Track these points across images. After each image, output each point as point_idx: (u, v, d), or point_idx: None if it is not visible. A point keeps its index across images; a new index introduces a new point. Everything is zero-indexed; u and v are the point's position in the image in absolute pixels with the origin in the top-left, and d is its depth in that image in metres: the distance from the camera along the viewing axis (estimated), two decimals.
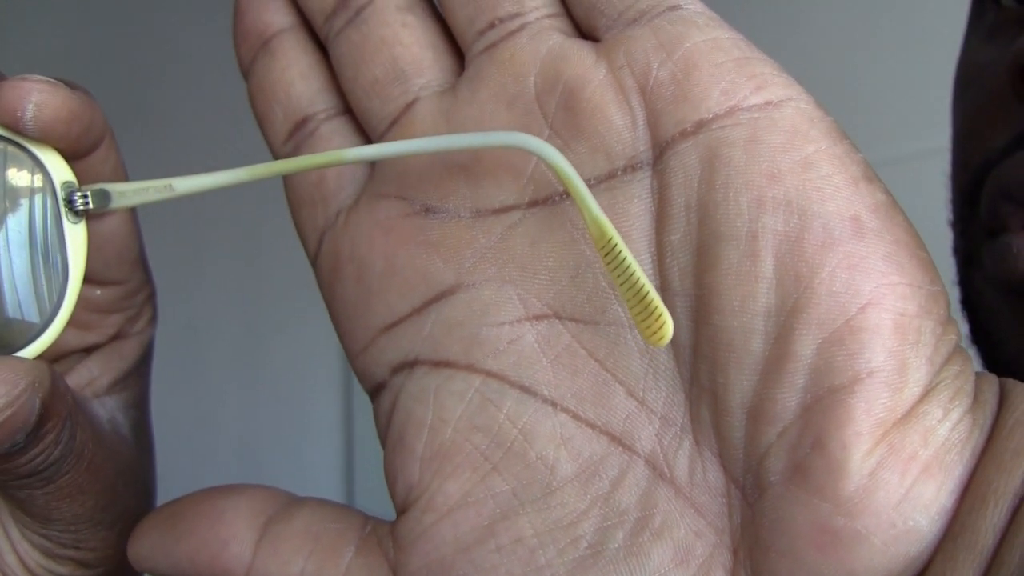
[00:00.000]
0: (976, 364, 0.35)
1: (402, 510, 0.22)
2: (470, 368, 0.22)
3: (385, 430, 0.23)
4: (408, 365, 0.23)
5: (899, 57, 0.85)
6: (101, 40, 1.20)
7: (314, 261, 0.24)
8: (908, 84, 0.82)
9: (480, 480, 0.21)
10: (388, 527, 0.22)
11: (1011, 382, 0.20)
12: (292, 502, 0.23)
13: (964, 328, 0.35)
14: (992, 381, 0.20)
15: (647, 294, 0.20)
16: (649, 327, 0.20)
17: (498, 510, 0.21)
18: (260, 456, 1.16)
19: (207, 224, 1.16)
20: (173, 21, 1.18)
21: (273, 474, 1.12)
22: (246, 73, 0.25)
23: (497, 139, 0.21)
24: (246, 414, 1.18)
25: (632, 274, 0.20)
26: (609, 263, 0.20)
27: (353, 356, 0.24)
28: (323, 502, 0.23)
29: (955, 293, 0.36)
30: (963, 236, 0.35)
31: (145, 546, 0.23)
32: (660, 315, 0.20)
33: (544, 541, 0.21)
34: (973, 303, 0.35)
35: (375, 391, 0.23)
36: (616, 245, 0.20)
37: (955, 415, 0.19)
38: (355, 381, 0.24)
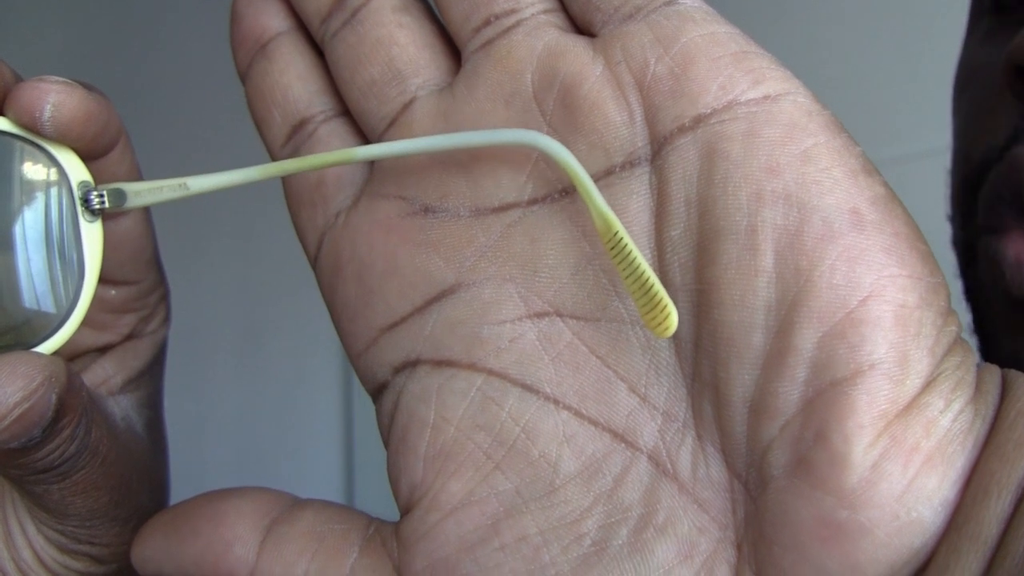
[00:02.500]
0: (975, 356, 0.35)
1: (406, 510, 0.22)
2: (472, 367, 0.22)
3: (388, 430, 0.23)
4: (410, 365, 0.23)
5: (898, 58, 0.85)
6: (106, 41, 1.20)
7: (314, 263, 0.24)
8: (906, 85, 0.82)
9: (483, 479, 0.21)
10: (392, 527, 0.22)
11: (1014, 373, 0.20)
12: (296, 504, 0.23)
13: (967, 318, 0.35)
14: (994, 372, 0.20)
15: (652, 286, 0.20)
16: (654, 318, 0.20)
17: (501, 508, 0.21)
18: (259, 456, 1.16)
19: (206, 224, 1.16)
20: (181, 20, 1.18)
21: (273, 474, 1.12)
22: (243, 77, 0.25)
23: (503, 136, 0.21)
24: (246, 414, 1.18)
25: (637, 267, 0.20)
26: (615, 256, 0.20)
27: (355, 357, 0.24)
28: (327, 503, 0.23)
29: (958, 285, 0.36)
30: (964, 228, 0.35)
31: (149, 549, 0.23)
32: (665, 306, 0.20)
33: (548, 539, 0.21)
34: (974, 295, 0.35)
35: (377, 391, 0.23)
36: (621, 238, 0.20)
37: (957, 406, 0.19)
38: (355, 381, 0.24)
